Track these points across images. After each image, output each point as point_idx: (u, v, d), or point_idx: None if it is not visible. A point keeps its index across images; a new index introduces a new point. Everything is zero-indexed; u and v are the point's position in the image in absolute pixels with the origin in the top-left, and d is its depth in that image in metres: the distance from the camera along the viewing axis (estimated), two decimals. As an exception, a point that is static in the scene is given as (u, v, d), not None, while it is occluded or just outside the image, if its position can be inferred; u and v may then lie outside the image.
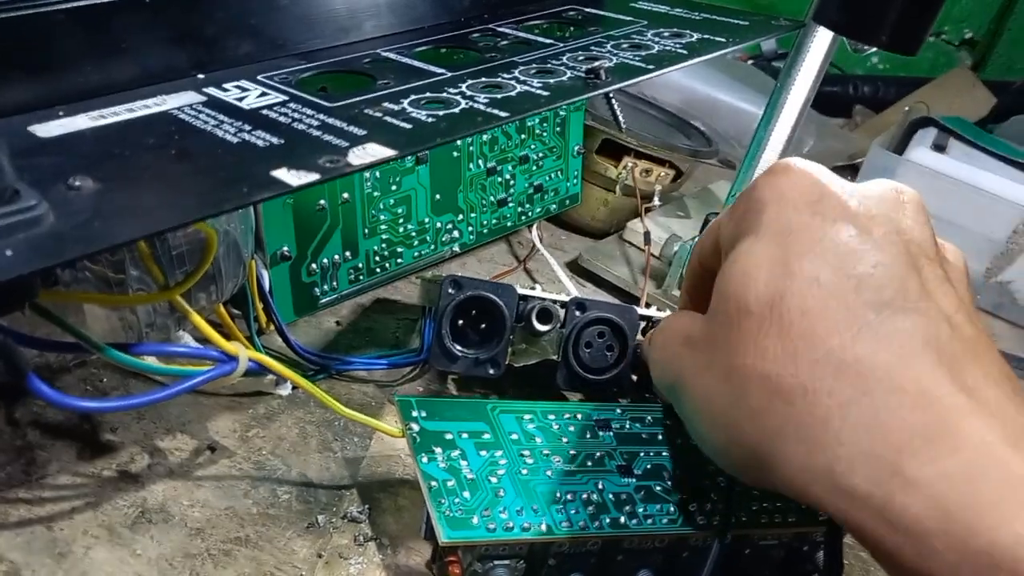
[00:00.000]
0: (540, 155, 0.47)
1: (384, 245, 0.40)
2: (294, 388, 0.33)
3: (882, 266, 0.20)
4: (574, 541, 0.24)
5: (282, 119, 0.23)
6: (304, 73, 0.27)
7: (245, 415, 0.32)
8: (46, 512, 0.27)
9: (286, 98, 0.25)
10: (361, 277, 0.40)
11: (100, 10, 0.23)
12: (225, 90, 0.25)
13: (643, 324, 0.33)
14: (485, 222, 0.46)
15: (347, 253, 0.38)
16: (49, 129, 0.22)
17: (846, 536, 0.23)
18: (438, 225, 0.43)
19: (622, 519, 0.25)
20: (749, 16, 0.35)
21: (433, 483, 0.24)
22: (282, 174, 0.19)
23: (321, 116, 0.23)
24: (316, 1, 0.29)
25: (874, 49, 0.31)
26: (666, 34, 0.32)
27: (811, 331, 0.19)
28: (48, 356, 0.32)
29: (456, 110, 0.24)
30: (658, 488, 0.26)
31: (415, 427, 0.26)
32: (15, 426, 0.30)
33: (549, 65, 0.28)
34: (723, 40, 0.31)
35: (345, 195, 0.37)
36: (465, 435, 0.26)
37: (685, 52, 0.30)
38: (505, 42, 0.31)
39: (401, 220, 0.41)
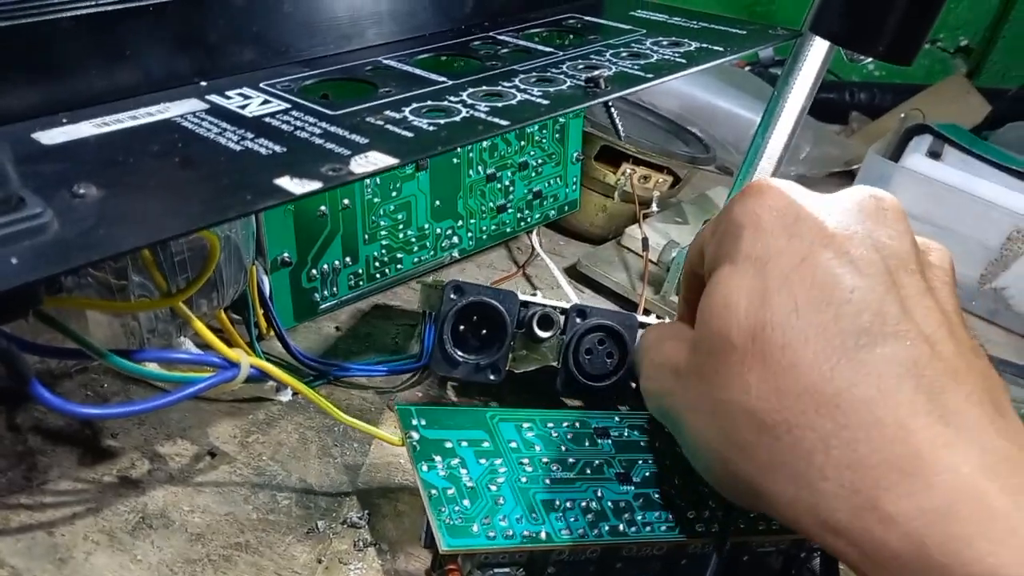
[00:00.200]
0: (539, 161, 0.47)
1: (384, 251, 0.40)
2: (294, 394, 0.33)
3: (859, 290, 0.20)
4: (573, 549, 0.24)
5: (284, 127, 0.23)
6: (306, 81, 0.27)
7: (245, 421, 0.33)
8: (47, 517, 0.27)
9: (288, 106, 0.25)
10: (361, 283, 0.40)
11: (105, 17, 0.23)
12: (228, 97, 0.25)
13: (642, 332, 0.33)
14: (484, 228, 0.46)
15: (347, 259, 0.39)
16: (53, 136, 0.22)
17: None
18: (438, 231, 0.43)
19: (621, 527, 0.25)
20: (746, 25, 0.35)
21: (433, 491, 0.24)
22: (285, 182, 0.20)
23: (323, 124, 0.23)
24: (318, 8, 0.29)
25: (869, 59, 0.32)
26: (665, 43, 0.32)
27: (792, 365, 0.19)
28: (49, 362, 0.32)
29: (457, 119, 0.24)
30: (657, 496, 0.26)
31: (415, 435, 0.26)
32: (16, 431, 0.30)
33: (549, 73, 0.28)
34: (721, 49, 0.32)
35: (345, 201, 0.37)
36: (465, 443, 0.26)
37: (683, 61, 0.30)
38: (505, 50, 0.31)
39: (401, 226, 0.41)
